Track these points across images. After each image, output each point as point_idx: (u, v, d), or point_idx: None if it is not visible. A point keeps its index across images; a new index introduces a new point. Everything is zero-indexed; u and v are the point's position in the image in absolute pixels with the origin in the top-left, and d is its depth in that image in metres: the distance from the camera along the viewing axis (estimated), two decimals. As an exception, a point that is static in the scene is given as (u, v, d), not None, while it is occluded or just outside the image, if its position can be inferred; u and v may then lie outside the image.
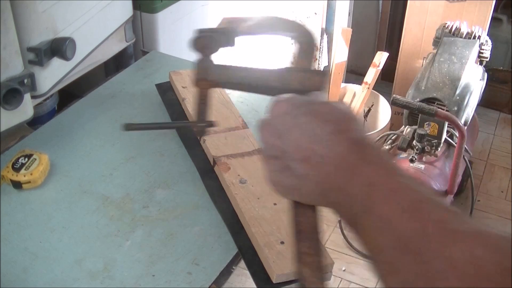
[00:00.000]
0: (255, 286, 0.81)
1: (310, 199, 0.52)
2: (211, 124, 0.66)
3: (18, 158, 0.99)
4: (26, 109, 1.04)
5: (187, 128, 0.65)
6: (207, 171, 0.99)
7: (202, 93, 0.66)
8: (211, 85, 0.62)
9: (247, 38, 0.73)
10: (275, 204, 0.90)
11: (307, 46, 0.65)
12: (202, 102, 0.65)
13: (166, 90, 1.21)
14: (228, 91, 1.20)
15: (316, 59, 2.54)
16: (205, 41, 0.66)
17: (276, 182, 0.53)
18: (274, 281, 0.79)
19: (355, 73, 2.79)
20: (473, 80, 1.94)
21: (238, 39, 0.71)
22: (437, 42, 2.09)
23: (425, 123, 1.85)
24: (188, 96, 1.14)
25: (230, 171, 0.96)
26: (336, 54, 2.34)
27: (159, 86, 1.23)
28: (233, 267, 0.85)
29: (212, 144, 1.02)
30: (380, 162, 0.48)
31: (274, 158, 0.52)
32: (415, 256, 0.41)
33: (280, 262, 0.79)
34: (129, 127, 0.67)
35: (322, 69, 2.22)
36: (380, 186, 0.45)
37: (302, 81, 0.58)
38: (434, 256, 0.40)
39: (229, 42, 0.70)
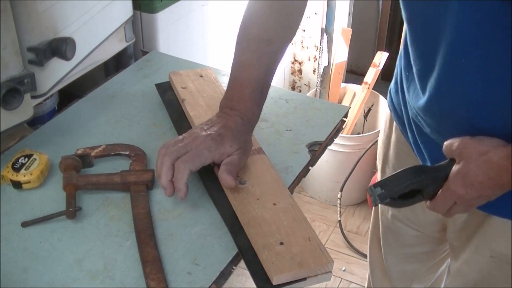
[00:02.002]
0: (255, 286, 0.81)
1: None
2: (79, 208, 0.93)
3: (18, 158, 0.99)
4: (26, 109, 1.04)
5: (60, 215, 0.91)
6: (207, 171, 0.99)
7: (70, 191, 0.93)
8: (76, 188, 0.95)
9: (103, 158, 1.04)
10: (274, 204, 0.90)
11: (139, 157, 1.04)
12: (71, 197, 0.92)
13: (166, 90, 1.21)
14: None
15: (316, 59, 2.54)
16: (68, 162, 0.98)
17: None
18: (273, 283, 0.78)
19: (355, 73, 2.80)
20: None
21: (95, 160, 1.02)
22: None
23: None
24: (188, 97, 1.14)
25: (230, 171, 0.95)
26: (336, 54, 2.35)
27: (159, 86, 1.23)
28: (233, 267, 0.85)
29: (212, 144, 1.01)
30: None
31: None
32: None
33: (280, 264, 0.79)
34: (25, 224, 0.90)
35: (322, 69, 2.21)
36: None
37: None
38: None
39: (89, 163, 1.01)
